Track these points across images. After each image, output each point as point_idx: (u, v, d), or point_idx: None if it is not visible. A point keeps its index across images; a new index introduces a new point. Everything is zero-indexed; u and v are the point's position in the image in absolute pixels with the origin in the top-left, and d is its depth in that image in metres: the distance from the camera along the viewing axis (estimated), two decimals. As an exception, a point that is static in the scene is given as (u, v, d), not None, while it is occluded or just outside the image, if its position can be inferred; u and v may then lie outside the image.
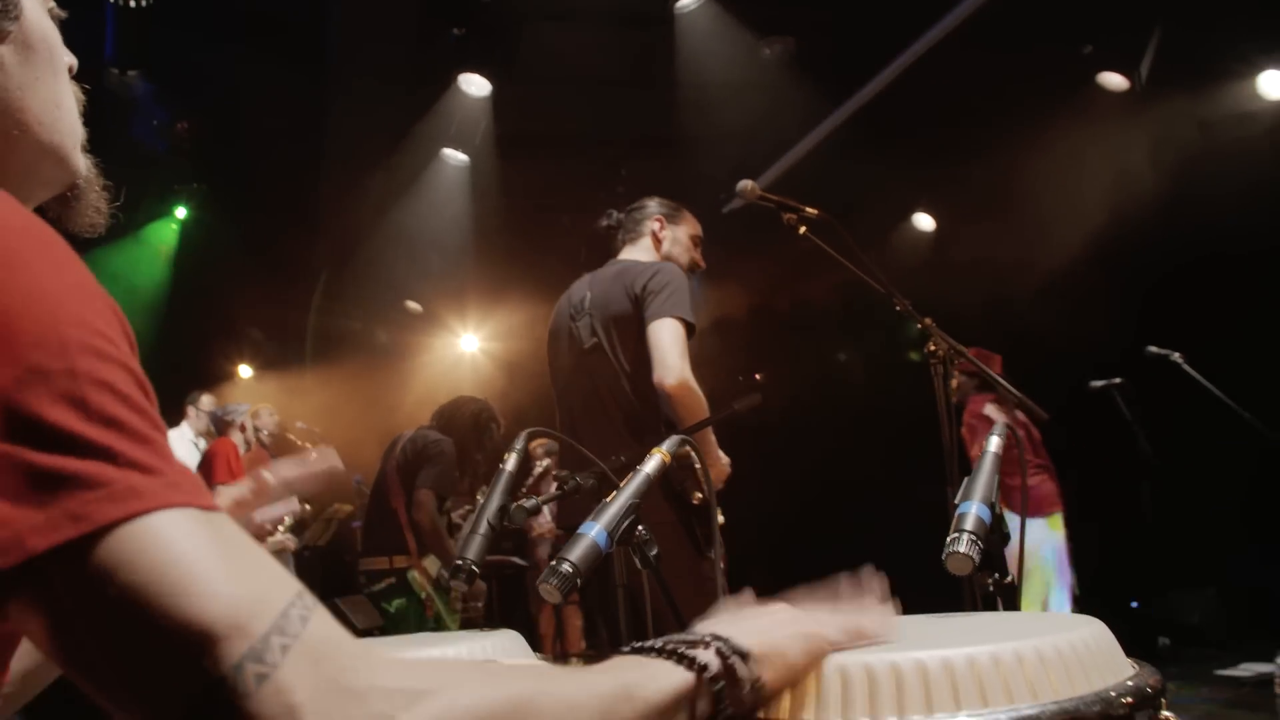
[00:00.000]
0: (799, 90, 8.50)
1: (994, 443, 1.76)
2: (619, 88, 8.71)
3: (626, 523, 1.71)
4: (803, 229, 3.43)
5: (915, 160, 8.98)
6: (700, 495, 3.53)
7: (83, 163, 1.09)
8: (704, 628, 1.07)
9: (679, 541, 3.47)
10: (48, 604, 0.69)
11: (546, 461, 7.51)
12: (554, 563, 1.61)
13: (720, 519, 3.73)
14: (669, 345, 3.54)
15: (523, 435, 2.30)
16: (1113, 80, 7.88)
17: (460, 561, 2.12)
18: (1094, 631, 1.25)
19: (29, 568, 0.68)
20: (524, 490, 6.54)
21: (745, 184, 3.45)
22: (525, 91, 8.62)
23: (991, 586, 1.81)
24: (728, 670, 0.99)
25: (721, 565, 4.02)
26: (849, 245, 3.38)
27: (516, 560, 9.08)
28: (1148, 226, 7.22)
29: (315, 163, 9.18)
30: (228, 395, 10.22)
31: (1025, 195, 8.13)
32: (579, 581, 1.61)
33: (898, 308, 3.44)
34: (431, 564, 5.28)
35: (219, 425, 7.21)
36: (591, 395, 3.78)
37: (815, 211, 3.44)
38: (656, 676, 0.94)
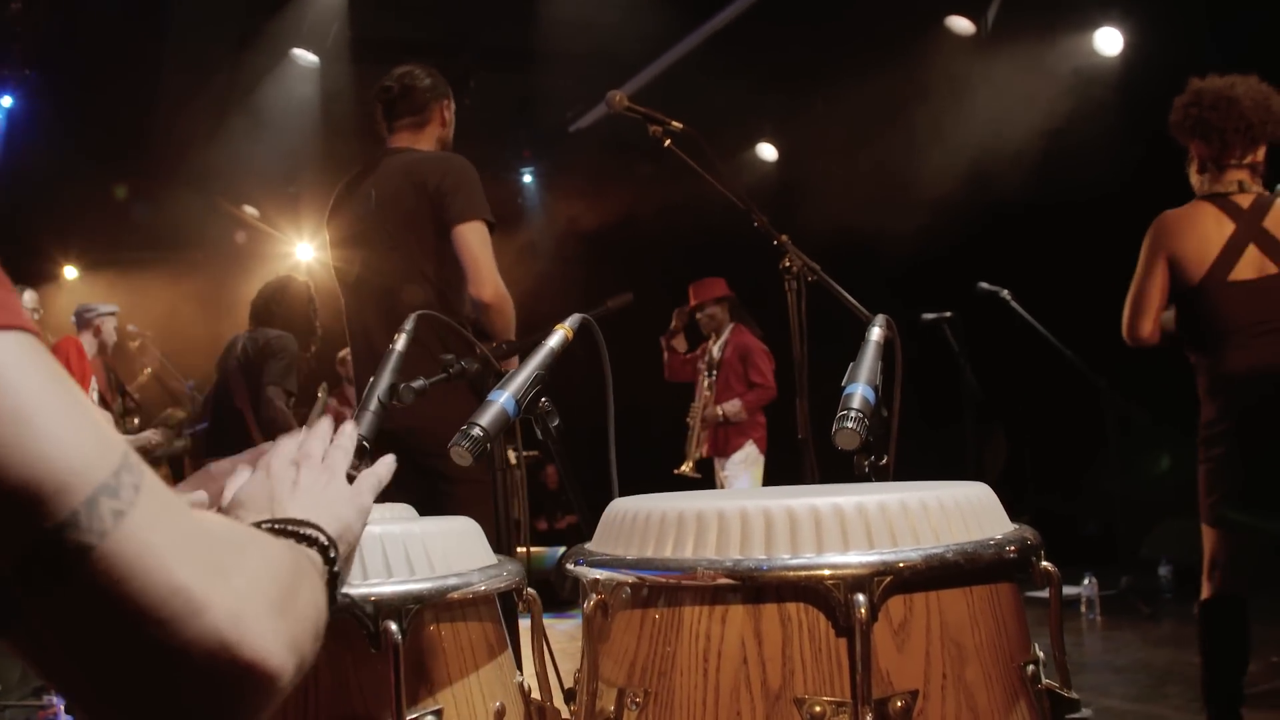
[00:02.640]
0: (651, 11, 8.51)
1: (876, 333, 1.88)
2: (475, -4, 8.61)
3: (533, 393, 1.78)
4: (667, 142, 3.42)
5: (761, 89, 9.13)
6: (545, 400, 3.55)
7: None
8: (267, 504, 1.08)
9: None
10: None
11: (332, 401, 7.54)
12: (465, 426, 1.67)
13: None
14: (479, 253, 3.47)
15: (413, 316, 2.33)
16: (960, 24, 8.13)
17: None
18: (981, 491, 1.39)
19: None
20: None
21: (613, 94, 3.38)
22: (380, -6, 8.46)
23: (869, 469, 1.94)
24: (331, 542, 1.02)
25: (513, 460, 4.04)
26: (710, 160, 3.43)
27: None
28: (985, 168, 7.51)
29: (156, 55, 8.78)
30: (51, 296, 9.81)
31: (868, 131, 8.34)
32: (489, 446, 1.68)
33: (755, 224, 3.50)
34: None
35: (78, 322, 6.89)
36: (386, 297, 3.64)
37: (680, 125, 3.47)
38: (307, 552, 0.97)
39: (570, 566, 1.39)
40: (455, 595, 1.33)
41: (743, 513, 1.26)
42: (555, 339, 1.89)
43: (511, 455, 4.04)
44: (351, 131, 9.31)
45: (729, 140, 9.73)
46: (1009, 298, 6.39)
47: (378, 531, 1.31)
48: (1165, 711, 4.78)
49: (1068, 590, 7.01)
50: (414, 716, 1.27)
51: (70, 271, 11.34)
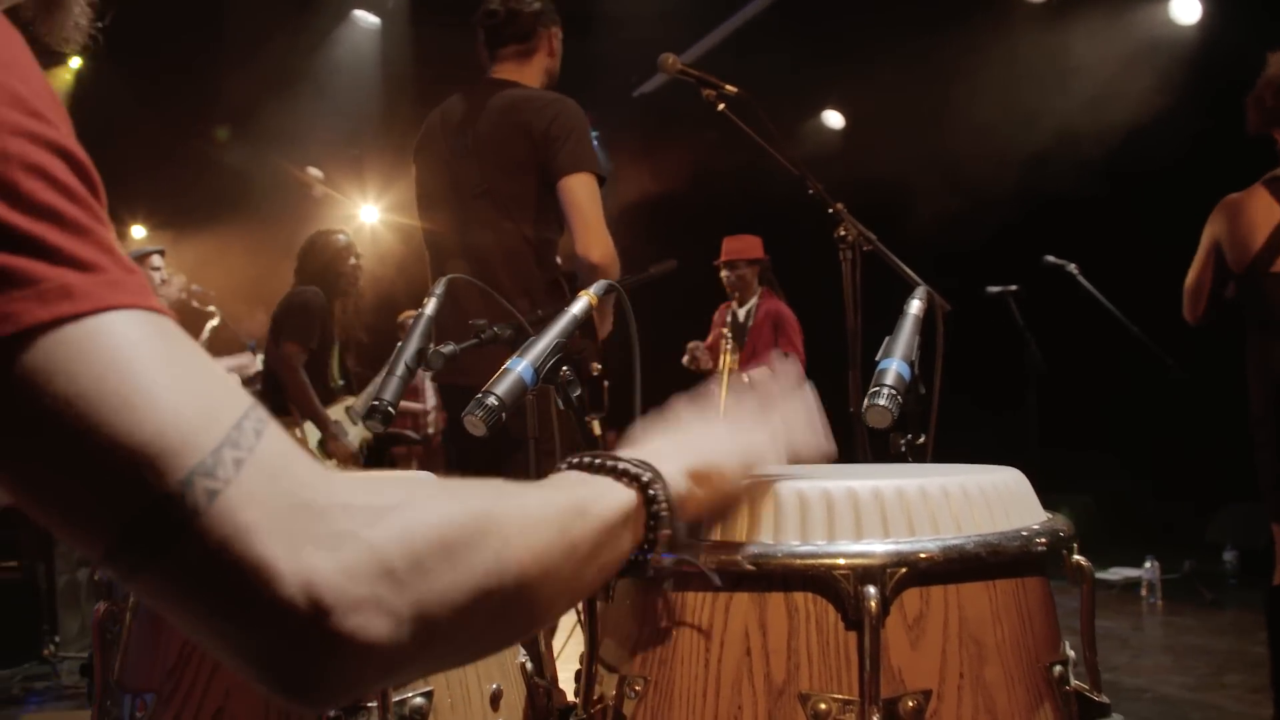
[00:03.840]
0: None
1: (915, 305, 1.79)
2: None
3: (553, 361, 1.71)
4: (721, 106, 3.32)
5: (828, 56, 8.96)
6: (599, 366, 3.45)
7: None
8: (643, 443, 1.07)
9: (543, 404, 3.42)
10: None
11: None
12: (480, 395, 1.61)
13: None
14: (590, 208, 3.27)
15: (442, 280, 2.27)
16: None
17: (376, 403, 2.09)
18: (1013, 476, 1.30)
19: None
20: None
21: (666, 57, 3.24)
22: (441, -45, 8.38)
23: (904, 447, 1.86)
24: (666, 488, 0.98)
25: (598, 431, 4.03)
26: (765, 126, 3.35)
27: (411, 434, 9.08)
28: (1055, 138, 7.31)
29: (219, 16, 8.81)
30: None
31: (935, 99, 8.16)
32: (504, 415, 1.61)
33: (810, 191, 3.42)
34: (311, 432, 5.13)
35: None
36: (471, 248, 3.45)
37: (734, 89, 3.37)
38: (604, 494, 0.93)
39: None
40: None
41: (751, 494, 1.18)
42: (579, 306, 1.82)
43: (596, 426, 3.98)
44: (412, 94, 9.28)
45: (794, 107, 9.58)
46: (1076, 271, 6.20)
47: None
48: (1224, 701, 4.64)
49: (1128, 573, 6.89)
50: (401, 698, 1.21)
51: (138, 231, 11.44)
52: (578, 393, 1.83)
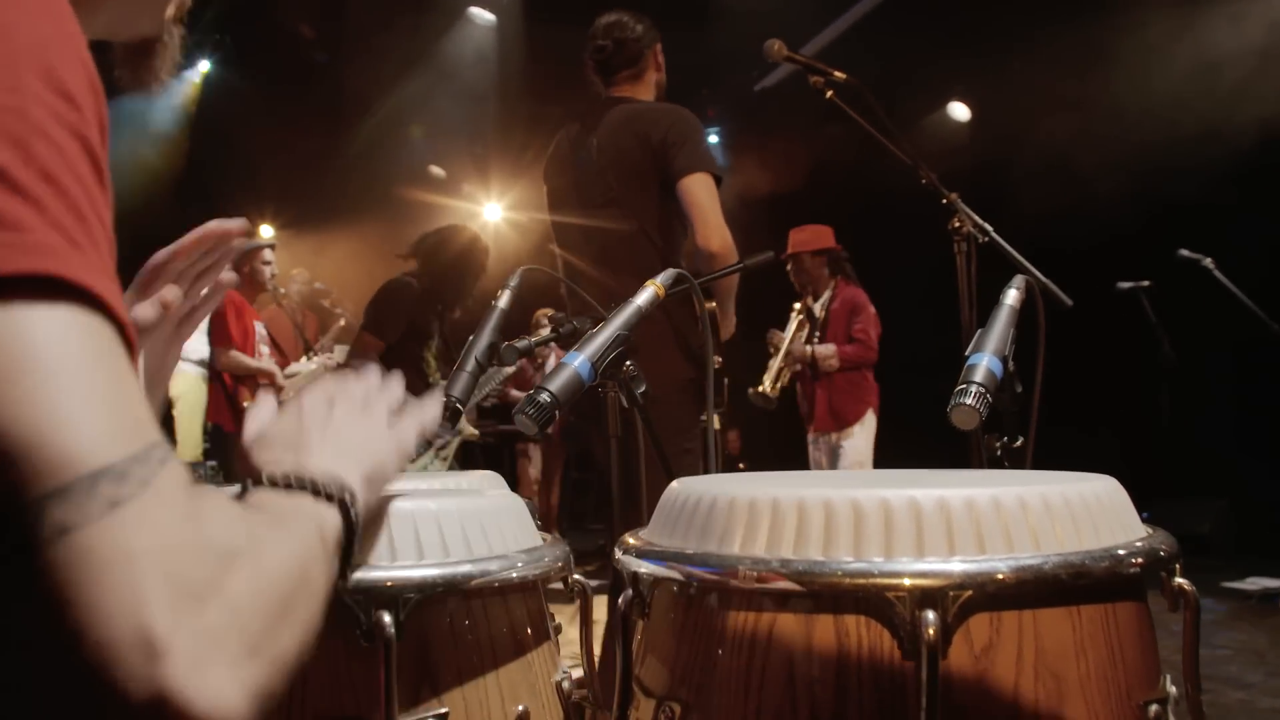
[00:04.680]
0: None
1: (1012, 295, 1.63)
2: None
3: (613, 355, 1.60)
4: (829, 93, 3.30)
5: (953, 46, 8.70)
6: (720, 360, 3.47)
7: (170, 22, 1.04)
8: (294, 445, 0.99)
9: (689, 400, 3.42)
10: None
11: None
12: (531, 392, 1.51)
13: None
14: (708, 204, 3.39)
15: (517, 272, 2.19)
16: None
17: (445, 399, 2.01)
18: (1106, 486, 1.14)
19: None
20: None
21: (772, 43, 3.28)
22: (556, -50, 8.35)
23: (1000, 450, 1.70)
24: (358, 506, 0.94)
25: (717, 425, 3.99)
26: (876, 114, 3.25)
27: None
28: (1191, 128, 6.97)
29: (338, 16, 8.92)
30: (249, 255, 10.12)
31: (1065, 89, 7.86)
32: (557, 413, 1.51)
33: (923, 181, 3.33)
34: None
35: (238, 259, 7.04)
36: (604, 252, 3.59)
37: (843, 76, 3.30)
38: (325, 515, 0.88)
39: (618, 556, 1.21)
40: (473, 584, 1.16)
41: (800, 503, 1.05)
42: (644, 296, 1.71)
43: (717, 421, 3.92)
44: (529, 91, 9.27)
45: (918, 99, 9.34)
46: (1211, 266, 5.88)
47: (387, 509, 1.16)
48: (1372, 728, 4.30)
49: (1267, 583, 6.51)
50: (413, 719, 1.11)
51: (266, 230, 11.68)
52: (642, 389, 1.71)
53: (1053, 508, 1.05)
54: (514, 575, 1.21)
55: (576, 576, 1.33)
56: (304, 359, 7.33)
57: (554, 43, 9.15)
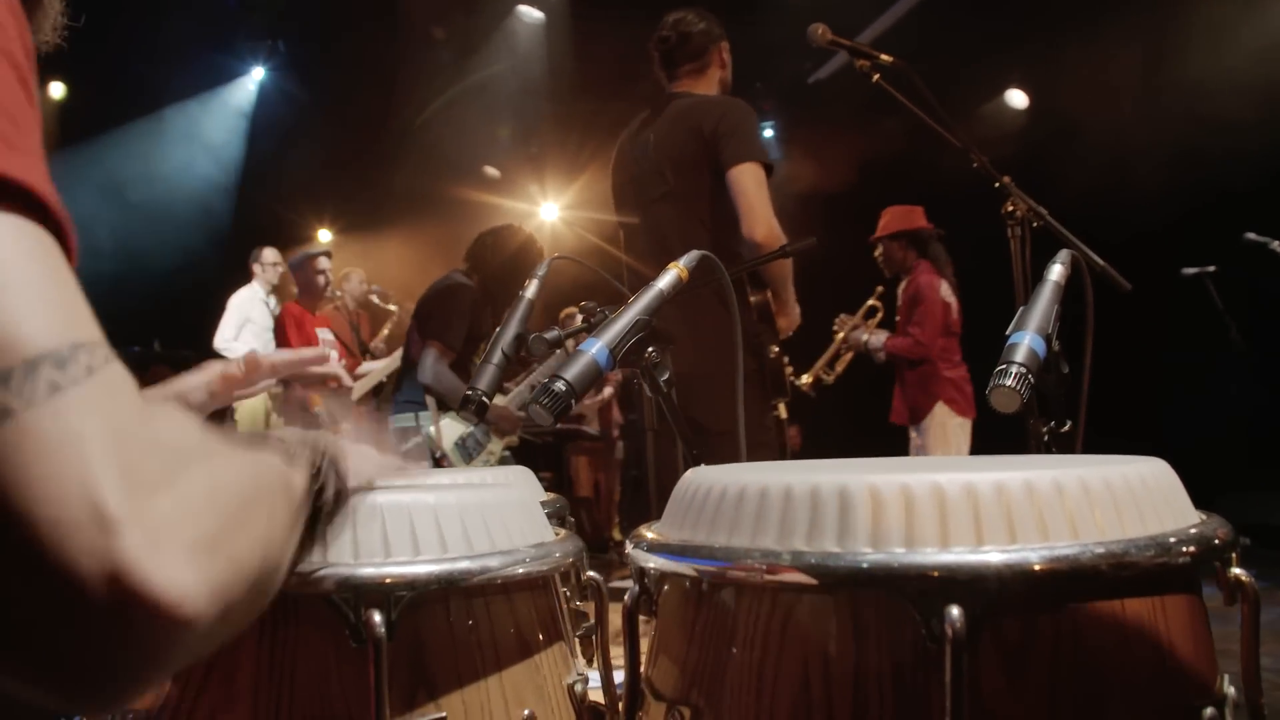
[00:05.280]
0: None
1: (1056, 271, 1.53)
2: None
3: (633, 341, 1.52)
4: (876, 77, 3.24)
5: (1010, 33, 8.53)
6: (776, 349, 3.51)
7: None
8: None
9: (754, 391, 3.40)
10: None
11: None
12: (546, 381, 1.44)
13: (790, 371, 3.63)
14: (755, 193, 3.40)
15: (546, 261, 2.12)
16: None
17: (470, 392, 1.95)
18: (1154, 468, 1.04)
19: None
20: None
21: (816, 27, 3.24)
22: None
23: (1047, 435, 1.60)
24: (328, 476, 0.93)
25: (784, 415, 3.92)
26: (925, 97, 3.17)
27: (589, 430, 9.00)
28: (1255, 112, 6.77)
29: (389, 18, 8.92)
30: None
31: (1125, 75, 7.68)
32: (574, 402, 1.43)
33: (975, 164, 3.26)
34: (452, 426, 4.89)
35: (293, 272, 7.06)
36: (661, 246, 3.56)
37: (890, 59, 3.23)
38: (290, 470, 0.87)
39: (629, 550, 1.13)
40: (473, 581, 1.09)
41: (813, 490, 0.96)
42: (666, 279, 1.63)
43: (783, 409, 3.85)
44: (580, 89, 9.22)
45: (975, 87, 9.17)
46: (1279, 249, 5.70)
47: (381, 502, 1.09)
48: None
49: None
50: (409, 726, 1.04)
51: (324, 234, 11.74)
52: (665, 376, 1.64)
53: (1092, 492, 0.96)
54: (519, 572, 1.14)
55: (590, 573, 1.26)
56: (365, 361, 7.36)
57: (602, 40, 9.13)
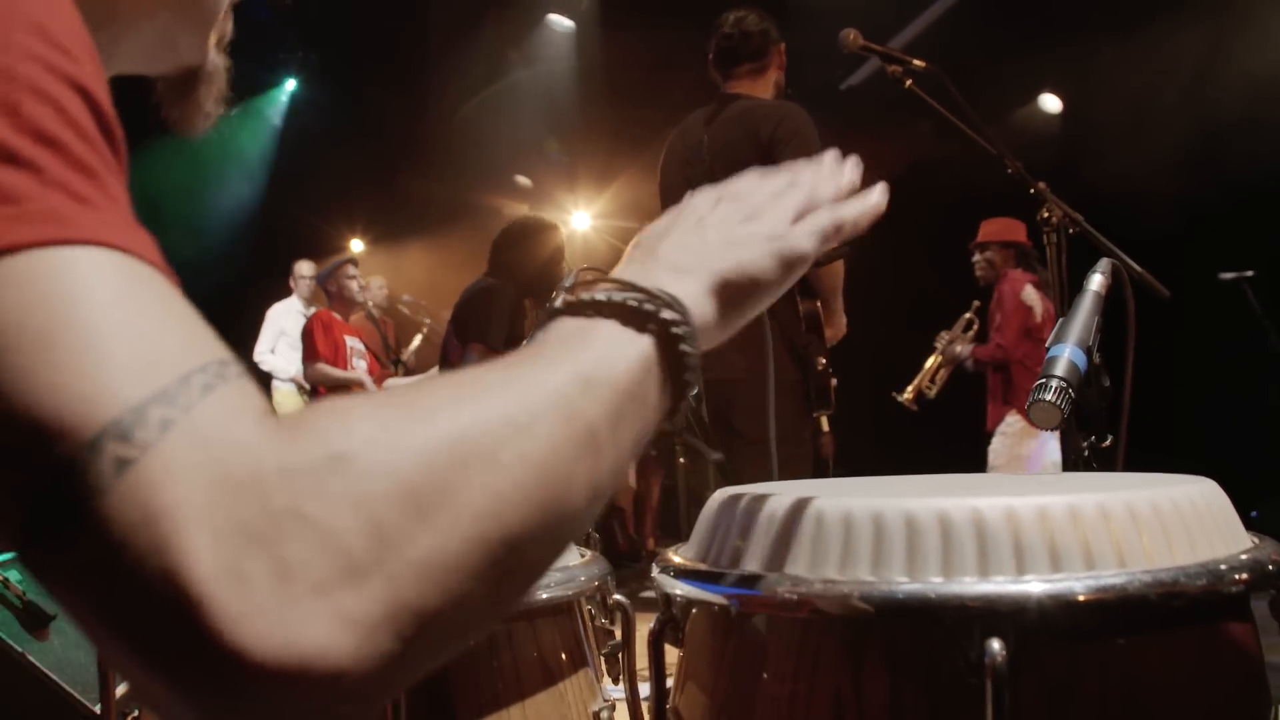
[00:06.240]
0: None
1: (1097, 280, 1.49)
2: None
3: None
4: (908, 82, 3.21)
5: (1044, 37, 8.46)
6: (824, 360, 3.44)
7: (214, 51, 0.92)
8: (652, 245, 0.83)
9: (796, 401, 3.34)
10: None
11: None
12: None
13: (834, 380, 3.60)
14: None
15: (573, 273, 2.08)
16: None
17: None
18: (1203, 490, 1.00)
19: None
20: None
21: (847, 33, 3.21)
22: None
23: (1087, 450, 1.55)
24: (692, 324, 0.75)
25: (826, 428, 3.88)
26: (958, 103, 3.15)
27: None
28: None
29: (419, 28, 8.94)
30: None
31: (1161, 78, 7.61)
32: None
33: (1009, 170, 3.23)
34: None
35: (322, 286, 7.09)
36: None
37: (922, 64, 3.20)
38: (613, 351, 0.69)
39: (655, 575, 1.09)
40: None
41: (846, 516, 0.93)
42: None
43: (824, 422, 3.81)
44: (611, 97, 9.20)
45: (1008, 91, 9.09)
46: (1320, 253, 5.61)
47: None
48: None
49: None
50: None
51: (356, 244, 11.78)
52: (694, 390, 1.60)
53: (1139, 517, 0.91)
54: (543, 596, 1.10)
55: (617, 597, 1.22)
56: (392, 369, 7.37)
57: (633, 48, 9.13)
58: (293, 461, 0.52)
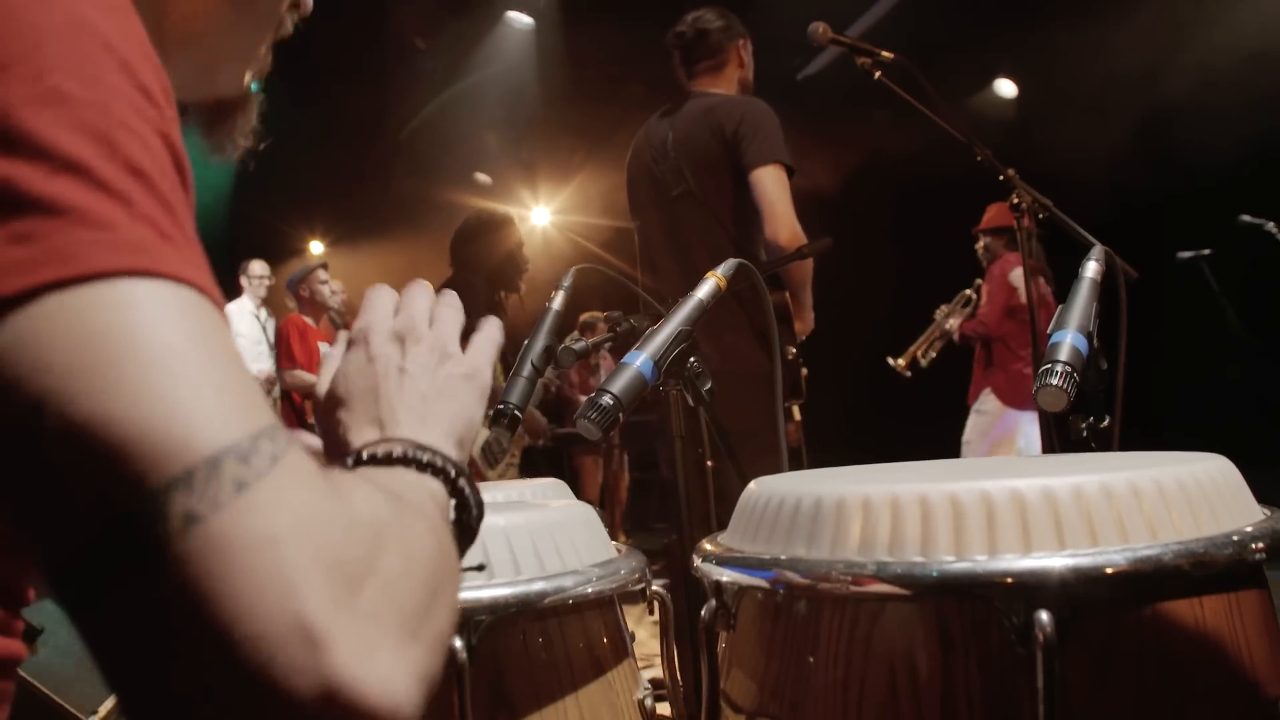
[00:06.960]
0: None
1: (1092, 268, 1.55)
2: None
3: (676, 352, 1.53)
4: (877, 74, 3.24)
5: (999, 22, 8.56)
6: (794, 350, 3.46)
7: (250, 84, 0.96)
8: (373, 405, 0.88)
9: (766, 394, 3.37)
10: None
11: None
12: (593, 395, 1.44)
13: (804, 370, 3.64)
14: (777, 196, 3.38)
15: (570, 272, 2.12)
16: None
17: (502, 406, 1.95)
18: (1219, 466, 1.06)
19: None
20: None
21: (816, 26, 3.24)
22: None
23: (1086, 431, 1.61)
24: (468, 479, 0.83)
25: (797, 417, 3.92)
26: (927, 93, 3.19)
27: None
28: (1248, 95, 6.80)
29: (376, 25, 8.91)
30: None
31: (1115, 62, 7.72)
32: (620, 416, 1.44)
33: (979, 158, 3.28)
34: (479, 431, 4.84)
35: (290, 292, 7.06)
36: (678, 245, 3.58)
37: (891, 55, 3.24)
38: (435, 493, 0.78)
39: (697, 564, 1.14)
40: (547, 602, 1.10)
41: (893, 500, 0.98)
42: (705, 289, 1.64)
43: (796, 411, 3.84)
44: (572, 95, 9.22)
45: (964, 77, 9.20)
46: (1275, 231, 5.72)
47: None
48: None
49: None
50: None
51: (316, 246, 11.72)
52: (708, 386, 1.65)
53: (1167, 492, 0.97)
54: (590, 591, 1.15)
55: (656, 588, 1.27)
56: None
57: (592, 46, 9.14)
58: (358, 521, 0.57)
